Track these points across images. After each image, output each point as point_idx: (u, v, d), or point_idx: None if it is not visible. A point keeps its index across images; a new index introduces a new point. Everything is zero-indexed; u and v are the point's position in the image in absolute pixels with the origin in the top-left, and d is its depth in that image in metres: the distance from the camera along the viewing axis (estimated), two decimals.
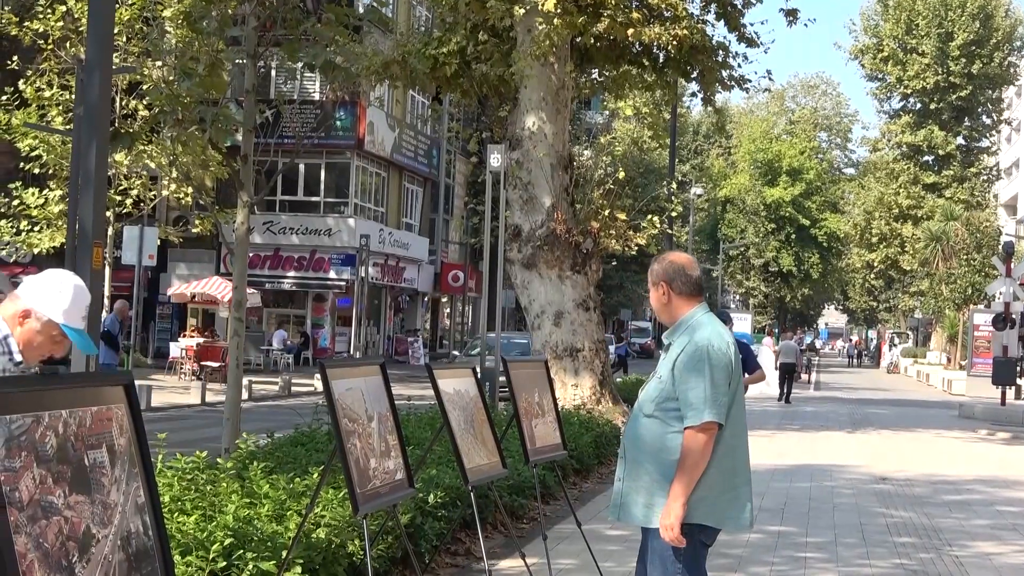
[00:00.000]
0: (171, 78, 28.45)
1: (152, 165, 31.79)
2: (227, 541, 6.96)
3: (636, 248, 24.50)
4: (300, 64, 11.17)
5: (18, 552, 3.18)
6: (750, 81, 24.25)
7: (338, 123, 45.79)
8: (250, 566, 6.96)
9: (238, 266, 10.89)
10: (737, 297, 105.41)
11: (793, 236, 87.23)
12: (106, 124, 8.81)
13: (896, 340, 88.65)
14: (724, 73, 23.20)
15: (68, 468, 3.47)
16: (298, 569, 7.23)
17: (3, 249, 36.80)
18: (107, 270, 31.86)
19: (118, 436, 3.75)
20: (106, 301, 30.72)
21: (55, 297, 4.64)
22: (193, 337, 37.96)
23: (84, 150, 8.90)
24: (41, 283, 4.71)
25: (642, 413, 5.55)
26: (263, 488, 8.27)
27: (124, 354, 25.13)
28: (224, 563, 6.87)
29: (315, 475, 8.97)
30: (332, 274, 48.39)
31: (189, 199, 32.90)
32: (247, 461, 9.30)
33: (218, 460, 8.95)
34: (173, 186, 32.49)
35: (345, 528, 8.25)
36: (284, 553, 7.11)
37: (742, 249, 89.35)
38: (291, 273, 48.33)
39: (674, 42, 21.44)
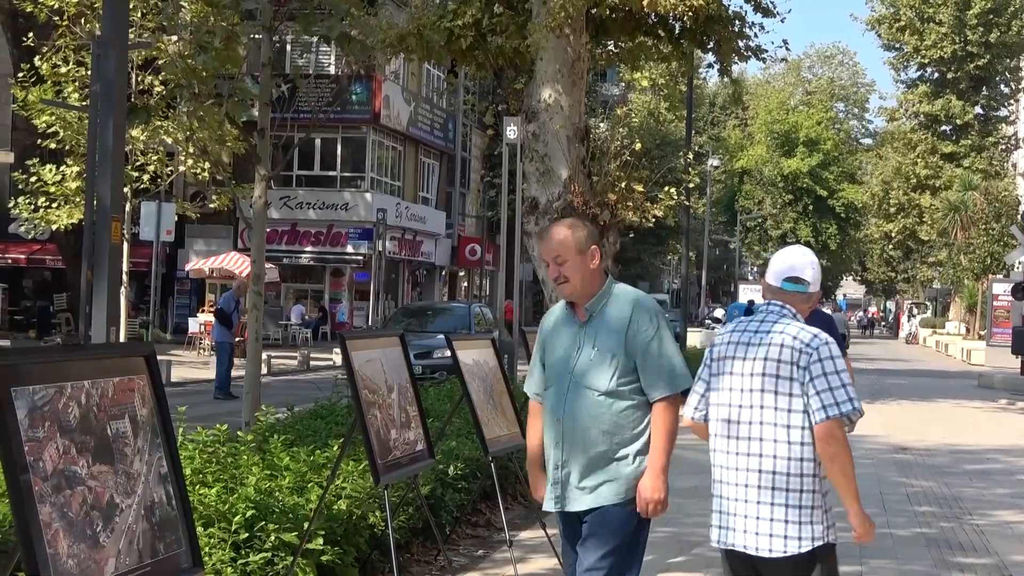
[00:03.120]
0: (187, 53, 28.47)
1: (169, 141, 31.70)
2: (249, 513, 6.99)
3: (654, 220, 24.43)
4: (315, 37, 11.15)
5: (43, 521, 3.20)
6: (766, 51, 24.14)
7: (354, 97, 45.71)
8: (272, 537, 6.99)
9: (256, 240, 10.90)
10: (755, 269, 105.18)
11: (811, 207, 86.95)
12: (123, 100, 8.80)
13: (915, 311, 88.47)
14: (740, 43, 23.07)
15: (91, 438, 3.48)
16: (320, 540, 7.26)
17: (22, 225, 36.84)
18: (125, 246, 31.92)
19: (140, 407, 3.76)
20: (124, 277, 30.85)
21: None
22: (211, 312, 38.02)
23: (101, 126, 8.91)
24: None
25: (592, 390, 5.21)
26: (284, 460, 8.30)
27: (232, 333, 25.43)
28: (246, 534, 6.90)
29: (335, 448, 9.00)
30: (349, 248, 48.39)
31: (206, 175, 32.81)
32: (267, 434, 9.34)
33: (239, 433, 8.97)
34: (190, 161, 32.43)
35: (366, 499, 8.28)
36: (306, 524, 7.14)
37: (759, 220, 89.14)
38: (308, 248, 48.35)
39: (690, 12, 21.32)
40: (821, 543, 4.81)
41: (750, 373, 4.87)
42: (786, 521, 4.79)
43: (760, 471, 4.84)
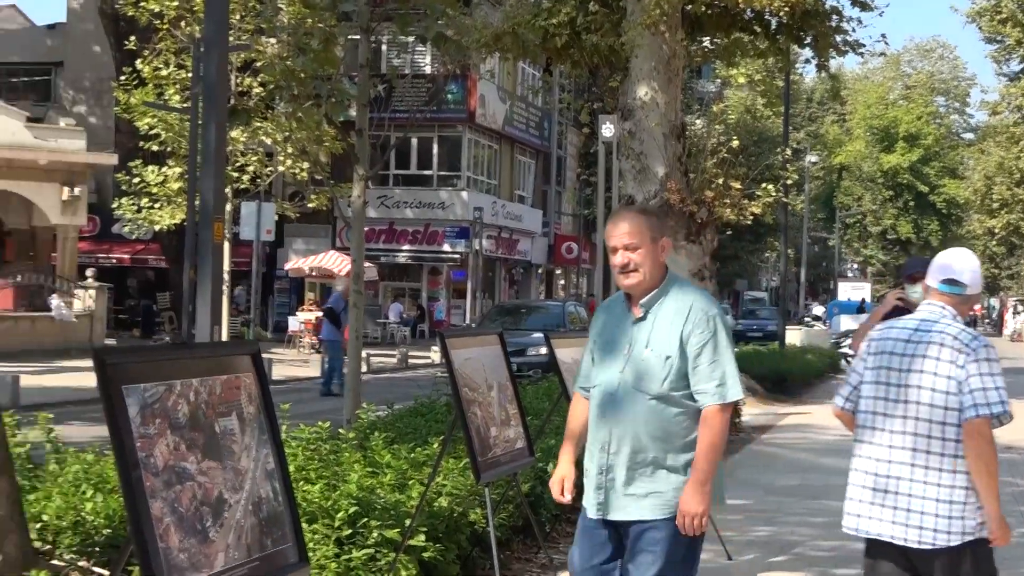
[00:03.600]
0: (285, 54, 28.76)
1: (268, 141, 32.16)
2: (352, 509, 7.05)
3: (752, 217, 24.25)
4: (411, 38, 11.22)
5: (154, 516, 3.26)
6: (864, 46, 23.81)
7: (449, 96, 45.90)
8: (375, 534, 7.05)
9: (355, 239, 11.00)
10: (854, 265, 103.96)
11: (911, 203, 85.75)
12: (224, 102, 8.93)
13: (1019, 307, 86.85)
14: (838, 38, 22.81)
15: (200, 435, 3.55)
16: (422, 537, 7.30)
17: (125, 226, 37.51)
18: (227, 245, 32.37)
19: (247, 404, 3.82)
20: (226, 276, 31.24)
21: None
22: (311, 311, 38.43)
23: (204, 128, 9.04)
24: None
25: (644, 393, 4.90)
26: (385, 458, 8.36)
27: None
28: (349, 531, 6.96)
29: (435, 445, 9.05)
30: (446, 247, 48.61)
31: (304, 174, 33.20)
32: (368, 432, 9.41)
33: (340, 431, 9.06)
34: (288, 162, 32.83)
35: (466, 497, 8.32)
36: (408, 521, 7.19)
37: (859, 217, 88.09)
38: (406, 247, 48.63)
39: (786, 8, 21.12)
40: (973, 538, 4.92)
41: (907, 369, 5.00)
42: (937, 515, 4.90)
43: (913, 464, 4.95)
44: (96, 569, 6.39)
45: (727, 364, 4.89)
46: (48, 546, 6.81)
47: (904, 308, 7.62)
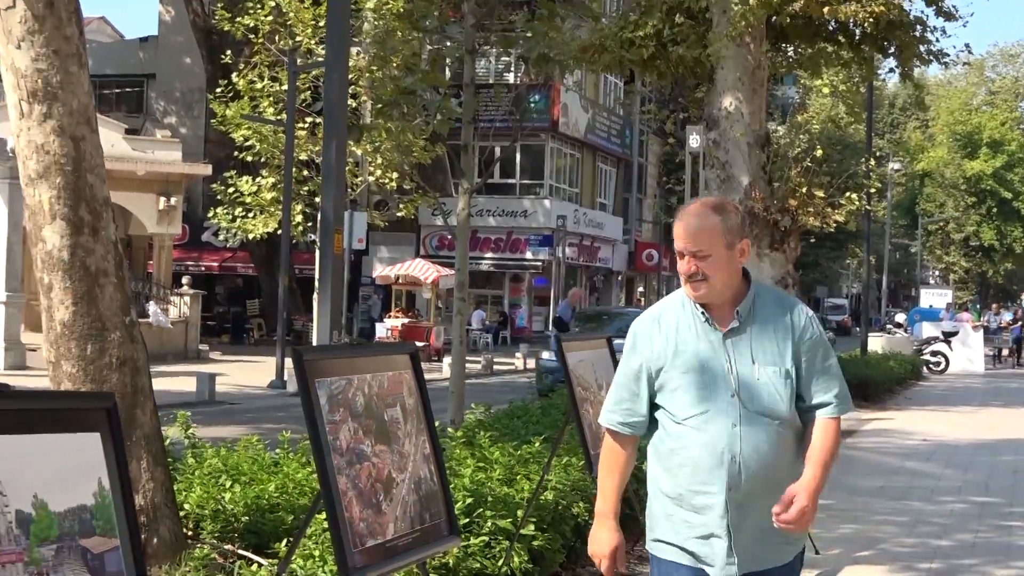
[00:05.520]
0: (373, 67, 29.39)
1: (358, 152, 32.96)
2: (467, 501, 7.62)
3: (835, 225, 24.56)
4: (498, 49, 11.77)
5: (340, 490, 3.85)
6: (948, 55, 24.06)
7: (532, 106, 46.50)
8: (489, 523, 7.61)
9: (460, 249, 11.57)
10: (936, 273, 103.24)
11: (995, 209, 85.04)
12: (344, 120, 9.55)
13: None
14: (922, 48, 23.08)
15: (373, 422, 4.13)
16: (531, 527, 7.86)
17: (220, 234, 38.51)
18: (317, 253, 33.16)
19: (407, 396, 4.41)
20: (317, 284, 32.05)
21: None
22: (398, 318, 39.18)
23: (324, 144, 9.67)
24: None
25: (769, 418, 4.12)
26: (494, 455, 8.93)
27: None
28: (466, 520, 7.52)
29: (536, 444, 9.62)
30: (528, 255, 49.24)
31: (393, 184, 33.96)
32: (475, 431, 9.99)
33: (448, 430, 9.63)
34: (378, 172, 33.61)
35: (570, 492, 8.86)
36: (519, 512, 7.74)
37: (941, 224, 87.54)
38: (488, 254, 49.30)
39: (871, 18, 21.42)
40: None
41: None
42: None
43: None
44: (241, 552, 7.00)
45: (838, 372, 4.28)
46: (191, 532, 7.45)
47: None
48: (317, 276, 32.33)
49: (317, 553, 6.31)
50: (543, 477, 7.67)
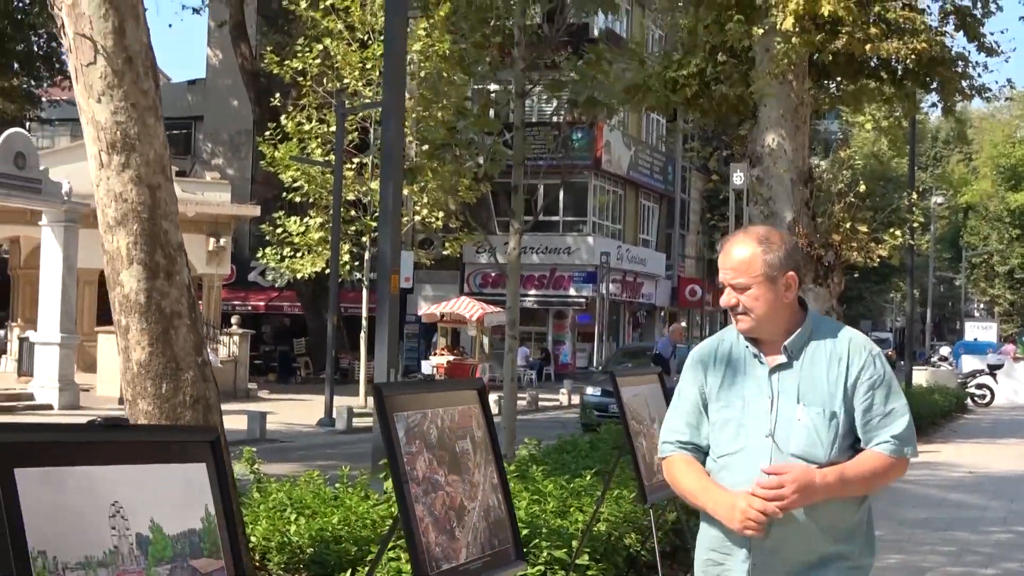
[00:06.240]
0: (419, 108, 29.75)
1: (404, 192, 33.37)
2: (523, 532, 7.87)
3: (878, 259, 24.74)
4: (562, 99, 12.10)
5: (417, 517, 4.12)
6: (991, 90, 24.25)
7: (576, 143, 46.88)
8: (545, 553, 7.87)
9: (511, 288, 11.89)
10: (981, 305, 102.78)
11: None
12: (400, 163, 9.88)
13: None
14: (964, 83, 23.28)
15: (446, 453, 4.41)
16: (585, 557, 8.11)
17: (269, 274, 39.02)
18: (364, 292, 33.55)
19: (476, 429, 4.68)
20: (364, 322, 32.44)
21: None
22: (443, 355, 39.50)
23: (382, 187, 10.01)
24: None
25: (807, 464, 3.76)
26: (547, 487, 9.19)
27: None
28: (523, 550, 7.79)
29: (588, 477, 9.88)
30: (572, 291, 49.51)
31: (440, 223, 34.37)
32: (528, 464, 10.26)
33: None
34: (425, 211, 34.02)
35: (622, 523, 9.11)
36: (574, 543, 8.00)
37: (985, 256, 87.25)
38: (532, 291, 49.58)
39: (912, 55, 21.67)
40: None
41: None
42: None
43: None
44: None
45: (905, 413, 3.89)
46: (258, 564, 7.74)
47: None
48: (364, 314, 33.02)
49: None
50: (597, 509, 7.91)
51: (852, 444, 3.83)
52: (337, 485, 9.04)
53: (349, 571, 7.21)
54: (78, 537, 2.85)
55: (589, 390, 26.66)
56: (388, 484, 8.72)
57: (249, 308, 48.61)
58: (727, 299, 3.90)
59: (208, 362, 7.10)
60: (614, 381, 7.20)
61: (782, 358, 3.86)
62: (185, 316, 6.91)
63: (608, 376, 27.81)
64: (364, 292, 33.79)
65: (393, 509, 8.15)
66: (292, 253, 34.46)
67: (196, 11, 45.35)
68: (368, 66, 31.41)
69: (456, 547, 4.30)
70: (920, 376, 38.13)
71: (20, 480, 2.72)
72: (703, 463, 3.94)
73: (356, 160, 32.77)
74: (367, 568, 5.41)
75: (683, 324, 41.51)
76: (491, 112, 12.35)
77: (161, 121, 6.93)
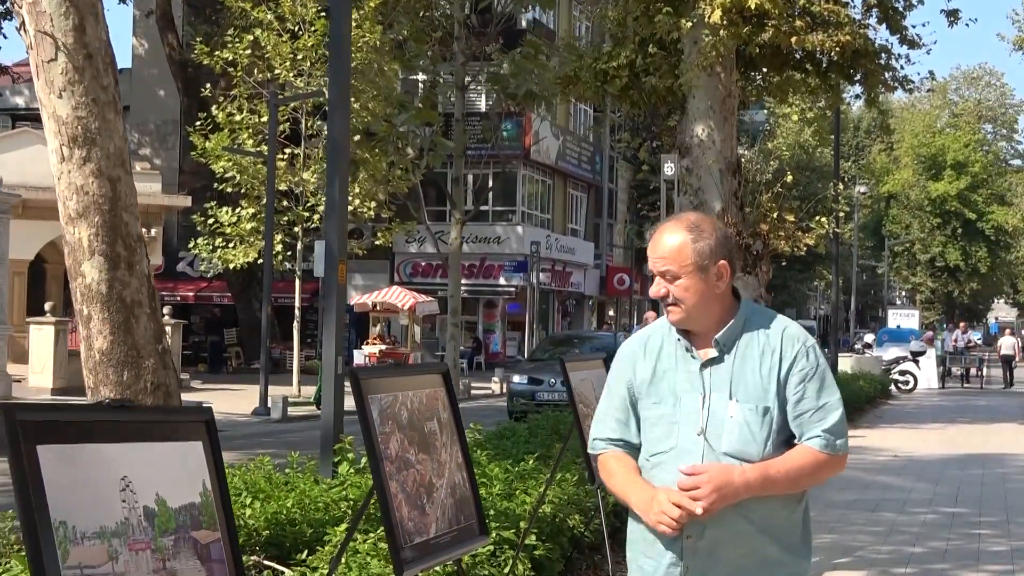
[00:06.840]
0: (353, 99, 29.76)
1: None
2: None
3: (805, 248, 25.20)
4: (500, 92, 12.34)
5: (392, 493, 4.37)
6: (913, 82, 24.77)
7: (505, 134, 47.11)
8: (494, 534, 8.13)
9: (453, 277, 12.14)
10: (903, 293, 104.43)
11: (959, 230, 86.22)
12: (346, 157, 10.09)
13: None
14: (887, 75, 23.77)
15: (416, 434, 4.66)
16: (532, 538, 8.39)
17: (201, 264, 38.93)
18: (298, 282, 33.68)
19: (442, 411, 4.94)
20: (297, 312, 32.57)
21: None
22: (375, 344, 39.62)
23: (328, 181, 10.21)
24: None
25: (740, 462, 3.64)
26: (493, 471, 9.46)
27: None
28: None
29: (530, 462, 10.18)
30: (502, 281, 49.79)
31: (371, 213, 34.41)
32: (473, 449, 10.52)
33: None
34: (357, 201, 34.10)
35: (566, 505, 9.40)
36: (521, 524, 8.27)
37: (907, 245, 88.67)
38: (463, 281, 49.61)
39: (837, 48, 22.10)
40: None
41: None
42: None
43: None
44: (266, 563, 7.50)
45: (838, 408, 3.75)
46: None
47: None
48: (297, 304, 33.06)
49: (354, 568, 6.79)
50: (544, 491, 8.18)
51: (787, 440, 3.70)
52: (287, 471, 9.24)
53: (305, 552, 7.42)
54: (93, 509, 3.07)
55: (515, 379, 26.76)
56: (342, 468, 8.98)
57: (178, 298, 48.32)
58: (657, 289, 3.77)
59: (168, 350, 7.29)
60: (563, 367, 7.47)
61: (714, 352, 3.73)
62: (145, 305, 7.10)
63: (534, 364, 27.94)
64: (297, 282, 33.86)
65: (345, 493, 8.40)
66: (224, 243, 34.41)
67: (122, 0, 45.05)
68: (299, 57, 31.44)
69: (427, 522, 4.55)
70: (845, 363, 38.81)
71: (42, 456, 2.95)
72: (636, 459, 3.82)
73: (288, 151, 32.80)
74: (336, 548, 5.65)
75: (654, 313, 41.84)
76: (433, 104, 12.57)
77: (120, 115, 7.09)
